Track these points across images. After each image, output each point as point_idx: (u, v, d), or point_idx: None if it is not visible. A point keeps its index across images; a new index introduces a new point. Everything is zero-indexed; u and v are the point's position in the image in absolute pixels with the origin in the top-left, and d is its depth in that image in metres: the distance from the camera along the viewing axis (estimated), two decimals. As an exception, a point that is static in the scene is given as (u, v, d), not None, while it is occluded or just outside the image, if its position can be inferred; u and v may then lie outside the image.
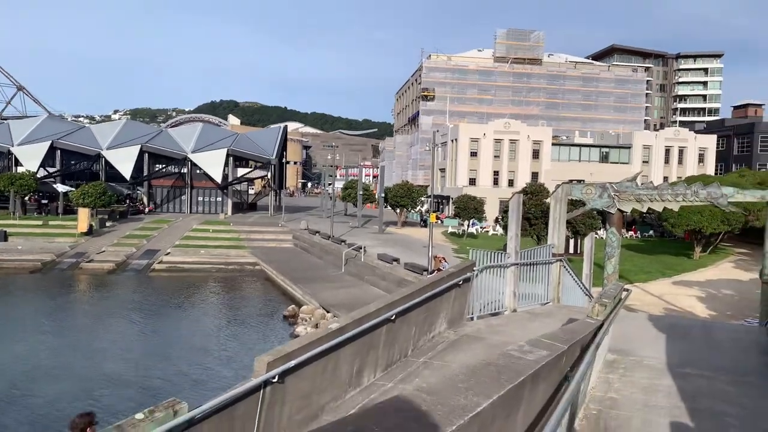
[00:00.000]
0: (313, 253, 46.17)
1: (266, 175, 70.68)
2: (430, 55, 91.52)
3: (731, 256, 45.62)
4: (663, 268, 38.41)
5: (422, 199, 67.92)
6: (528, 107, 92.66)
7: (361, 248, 38.55)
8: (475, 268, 11.49)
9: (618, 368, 8.84)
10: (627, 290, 9.54)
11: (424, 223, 67.13)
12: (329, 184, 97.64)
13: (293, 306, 30.32)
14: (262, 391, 6.33)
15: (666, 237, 59.09)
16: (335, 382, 7.62)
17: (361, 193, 60.15)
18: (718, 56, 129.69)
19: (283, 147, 74.53)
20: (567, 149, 76.82)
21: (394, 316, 8.49)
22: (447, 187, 76.55)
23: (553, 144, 75.52)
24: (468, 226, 54.32)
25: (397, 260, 34.24)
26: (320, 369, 7.23)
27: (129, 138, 63.74)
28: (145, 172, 64.24)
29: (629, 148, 76.08)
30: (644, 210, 16.72)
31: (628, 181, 16.59)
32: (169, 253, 44.88)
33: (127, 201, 63.28)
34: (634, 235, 62.38)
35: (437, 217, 72.14)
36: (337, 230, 54.79)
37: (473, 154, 74.00)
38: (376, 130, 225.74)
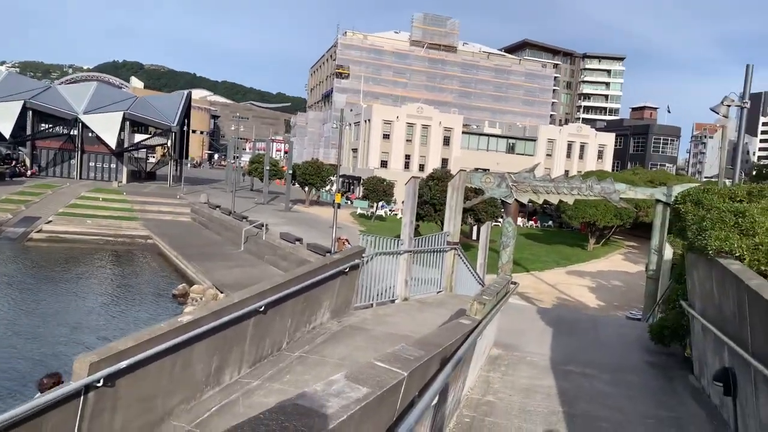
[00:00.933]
0: (211, 229, 44.03)
1: (166, 143, 66.65)
2: (345, 32, 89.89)
3: (621, 249, 48.28)
4: (559, 258, 39.86)
5: (332, 178, 66.81)
6: (441, 94, 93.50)
7: (263, 226, 37.06)
8: (364, 255, 10.77)
9: (501, 365, 8.46)
10: (515, 283, 9.18)
11: (337, 205, 66.36)
12: (236, 157, 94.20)
13: (184, 285, 28.55)
14: (82, 397, 5.25)
15: (564, 228, 61.73)
16: (187, 382, 6.64)
17: (267, 168, 58.11)
18: (620, 59, 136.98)
19: (186, 114, 70.59)
20: (476, 138, 78.29)
21: (263, 307, 7.59)
22: (359, 167, 75.85)
23: (463, 132, 76.66)
24: (376, 208, 53.99)
25: (300, 240, 33.16)
26: (166, 368, 6.22)
27: (10, 92, 57.77)
28: (29, 132, 58.68)
29: (534, 140, 78.65)
30: (540, 201, 16.73)
31: (526, 172, 16.51)
32: (50, 221, 41.18)
33: (7, 162, 57.61)
34: (534, 225, 64.72)
35: (347, 198, 71.51)
36: (241, 206, 52.74)
37: (386, 136, 73.65)
38: (289, 104, 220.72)
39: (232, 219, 42.53)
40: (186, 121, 70.59)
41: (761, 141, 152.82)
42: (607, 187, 15.87)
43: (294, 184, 61.42)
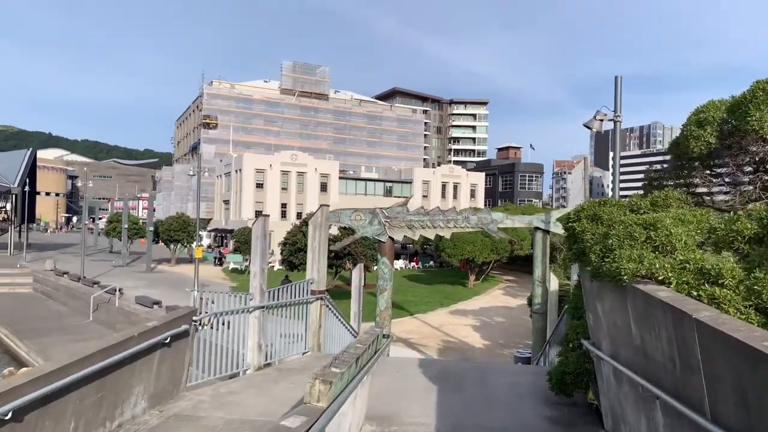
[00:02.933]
0: (56, 299, 38.45)
1: (4, 207, 59.00)
2: (212, 82, 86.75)
3: (501, 283, 48.66)
4: (441, 298, 38.98)
5: (201, 233, 62.39)
6: (316, 141, 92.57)
7: (116, 291, 32.67)
8: (196, 317, 8.33)
9: (376, 450, 6.38)
10: (386, 336, 7.21)
11: (218, 261, 61.60)
12: (92, 218, 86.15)
13: (11, 369, 23.65)
14: None
15: (445, 267, 61.82)
16: None
17: (125, 227, 52.89)
18: (484, 103, 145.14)
19: (31, 174, 63.28)
20: (354, 183, 77.67)
21: (9, 414, 4.96)
22: (231, 219, 71.92)
23: (340, 177, 75.72)
24: (250, 262, 50.59)
25: (158, 303, 29.44)
26: None
27: None
28: None
29: (410, 183, 79.45)
30: (416, 237, 15.18)
31: (399, 207, 14.92)
32: None
33: None
34: (416, 266, 64.31)
35: (219, 253, 67.06)
36: (96, 270, 47.39)
37: (259, 185, 70.70)
38: (157, 160, 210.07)
39: (82, 285, 37.46)
40: (28, 181, 63.16)
41: (613, 174, 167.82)
42: (484, 217, 14.65)
43: (158, 242, 56.43)
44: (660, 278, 4.79)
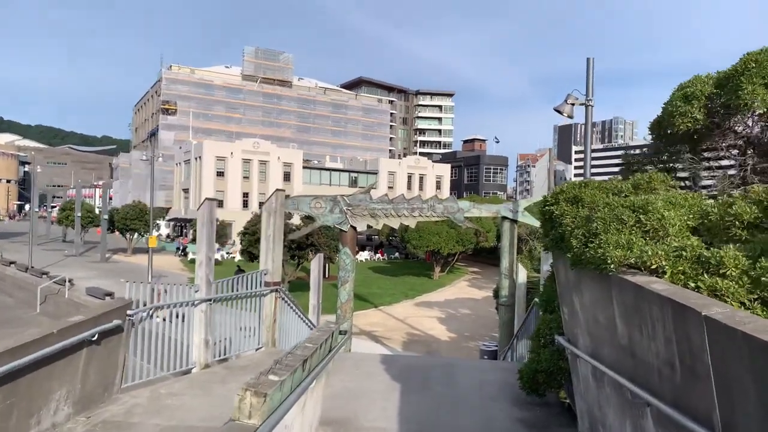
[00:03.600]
0: (2, 290, 36.43)
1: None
2: (171, 66, 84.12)
3: (466, 275, 48.47)
4: (407, 290, 38.48)
5: (159, 222, 60.51)
6: (279, 129, 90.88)
7: (65, 281, 31.07)
8: (131, 311, 7.47)
9: (329, 460, 5.68)
10: (343, 332, 6.50)
11: (181, 251, 59.42)
12: (47, 207, 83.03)
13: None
14: None
15: (410, 259, 61.43)
16: None
17: (78, 215, 50.76)
18: (450, 95, 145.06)
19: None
20: (318, 173, 76.52)
21: None
22: (191, 209, 69.93)
23: (304, 167, 74.50)
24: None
25: (110, 295, 28.04)
26: None
27: None
28: None
29: (376, 173, 78.70)
30: (379, 226, 14.48)
31: (361, 194, 14.18)
32: None
33: None
34: (381, 257, 63.74)
35: (180, 243, 65.15)
36: (47, 260, 45.47)
37: (220, 173, 68.94)
38: (115, 146, 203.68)
39: (30, 276, 35.57)
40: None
41: (576, 168, 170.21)
42: (450, 205, 14.04)
43: (113, 232, 54.42)
44: (652, 267, 4.19)
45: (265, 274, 10.42)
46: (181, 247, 60.22)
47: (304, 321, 11.90)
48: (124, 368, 7.61)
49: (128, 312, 7.42)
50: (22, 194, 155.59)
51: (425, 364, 9.92)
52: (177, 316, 8.80)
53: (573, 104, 11.42)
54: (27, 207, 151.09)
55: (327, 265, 34.97)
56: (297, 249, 31.25)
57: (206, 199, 9.13)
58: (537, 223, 15.91)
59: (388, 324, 27.19)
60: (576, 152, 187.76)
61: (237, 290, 9.73)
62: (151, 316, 8.11)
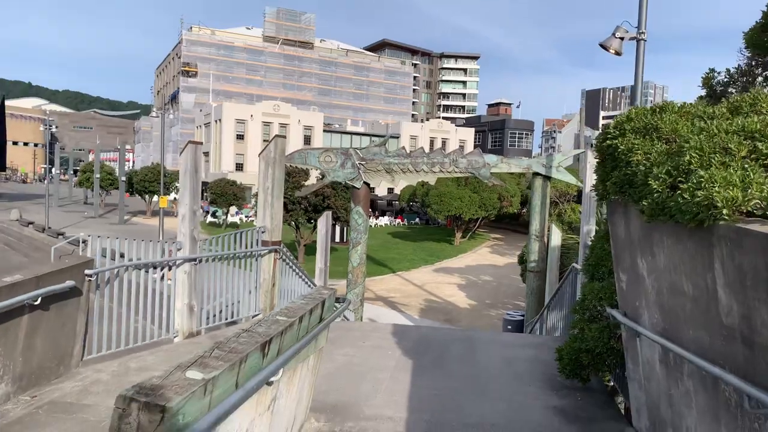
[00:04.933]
0: (18, 250, 35.99)
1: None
2: (191, 27, 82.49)
3: (488, 242, 47.00)
4: (426, 255, 37.25)
5: (177, 184, 59.81)
6: (300, 92, 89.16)
7: (80, 241, 30.48)
8: (90, 271, 6.28)
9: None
10: (340, 300, 5.21)
11: (212, 214, 58.33)
12: (73, 170, 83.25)
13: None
14: None
15: (431, 224, 60.10)
16: None
17: (98, 176, 50.27)
18: (475, 58, 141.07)
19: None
20: (339, 136, 74.98)
21: None
22: (211, 172, 69.23)
23: (324, 131, 73.01)
24: (227, 214, 48.39)
25: (122, 256, 27.41)
26: None
27: None
28: None
29: (398, 137, 76.91)
30: (396, 184, 13.09)
31: (376, 147, 12.77)
32: None
33: None
34: (401, 223, 62.51)
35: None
36: (67, 221, 45.19)
37: (240, 137, 67.86)
38: (139, 111, 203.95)
39: (46, 236, 35.18)
40: (-1, 128, 59.81)
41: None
42: (475, 160, 12.57)
43: (132, 194, 53.96)
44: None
45: (262, 232, 9.14)
46: (208, 210, 58.62)
47: (309, 285, 10.68)
48: (86, 337, 6.45)
49: (87, 271, 6.21)
50: (50, 158, 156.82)
51: (443, 336, 8.61)
52: (162, 279, 7.74)
53: (622, 38, 9.77)
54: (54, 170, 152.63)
55: (344, 228, 33.83)
56: (313, 211, 30.05)
57: (189, 142, 7.81)
58: (573, 180, 14.44)
59: (405, 290, 26.04)
60: (604, 117, 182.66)
61: (229, 249, 8.49)
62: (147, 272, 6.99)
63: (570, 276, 8.94)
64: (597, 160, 4.81)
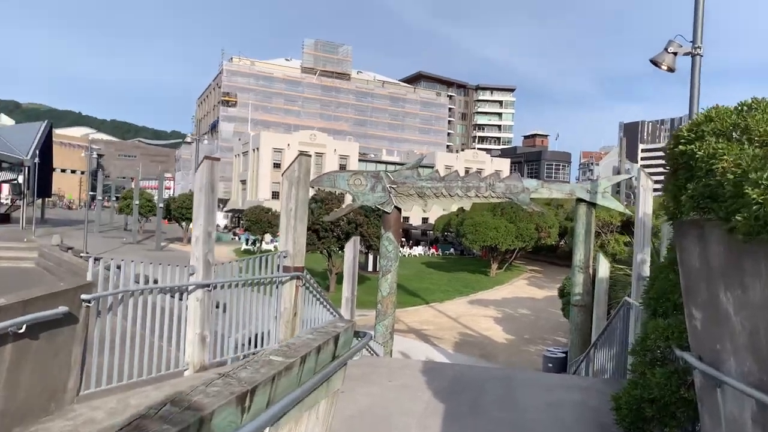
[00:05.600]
0: (56, 275, 36.30)
1: (14, 179, 57.52)
2: (231, 58, 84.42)
3: (525, 273, 45.57)
4: (461, 287, 36.16)
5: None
6: (337, 122, 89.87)
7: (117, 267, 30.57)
8: (88, 296, 5.72)
9: None
10: (360, 336, 4.49)
11: (251, 242, 57.82)
12: (115, 197, 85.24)
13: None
14: None
15: (466, 255, 58.91)
16: None
17: (137, 203, 51.00)
18: (511, 90, 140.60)
19: (46, 148, 61.66)
20: (374, 165, 74.88)
21: None
22: (248, 200, 69.80)
23: (360, 160, 73.10)
24: (261, 241, 48.31)
25: (156, 282, 27.28)
26: None
27: None
28: None
29: (433, 168, 76.37)
30: (429, 208, 12.36)
31: (408, 170, 12.12)
32: None
33: None
34: (435, 253, 61.48)
35: (234, 233, 64.98)
36: (105, 246, 45.77)
37: (276, 165, 68.34)
38: (181, 140, 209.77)
39: (83, 261, 35.60)
40: (44, 155, 61.48)
41: (642, 167, 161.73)
42: (514, 184, 11.79)
43: (170, 221, 54.55)
44: None
45: (284, 257, 8.53)
46: (249, 238, 56.95)
47: (333, 315, 9.97)
48: (83, 370, 5.86)
49: (83, 296, 5.64)
50: (95, 185, 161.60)
51: (479, 376, 7.75)
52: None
53: (676, 53, 8.97)
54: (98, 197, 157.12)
55: (376, 257, 33.11)
56: (345, 239, 29.47)
57: (205, 157, 7.30)
58: (620, 207, 13.51)
59: (439, 322, 25.04)
60: (642, 150, 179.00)
61: (247, 275, 7.88)
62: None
63: (622, 311, 8.01)
64: (668, 170, 4.02)
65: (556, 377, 8.41)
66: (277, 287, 8.48)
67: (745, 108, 3.56)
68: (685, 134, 3.68)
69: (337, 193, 29.82)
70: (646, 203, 7.77)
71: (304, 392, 3.15)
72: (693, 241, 4.13)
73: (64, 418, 5.49)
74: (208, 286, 7.24)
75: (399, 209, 12.24)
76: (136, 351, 6.43)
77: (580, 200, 12.15)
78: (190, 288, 7.13)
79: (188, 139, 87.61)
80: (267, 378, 2.55)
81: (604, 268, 9.84)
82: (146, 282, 7.07)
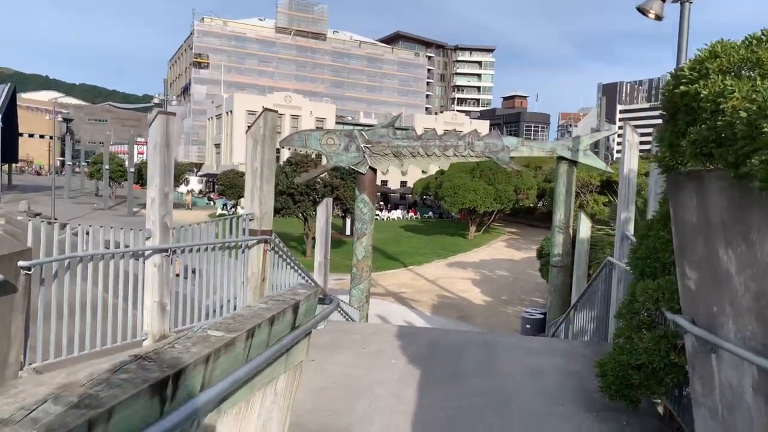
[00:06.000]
0: (23, 241, 35.55)
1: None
2: (203, 18, 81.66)
3: (503, 235, 45.66)
4: (439, 249, 36.06)
5: (187, 176, 59.15)
6: (313, 84, 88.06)
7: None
8: (25, 263, 5.22)
9: None
10: (324, 299, 4.06)
11: (229, 207, 56.60)
12: (86, 162, 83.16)
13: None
14: None
15: (444, 218, 58.85)
16: None
17: (107, 167, 49.62)
18: (490, 51, 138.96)
19: (9, 112, 59.42)
20: (352, 128, 73.85)
21: None
22: (222, 164, 68.53)
23: (336, 122, 71.95)
24: (236, 206, 47.54)
25: (127, 247, 26.59)
26: None
27: None
28: None
29: (411, 129, 75.62)
30: (405, 169, 11.92)
31: (383, 128, 11.60)
32: None
33: None
34: (414, 216, 61.31)
35: (209, 198, 63.90)
36: (75, 212, 44.61)
37: (251, 128, 66.87)
38: (153, 104, 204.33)
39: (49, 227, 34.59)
40: (8, 118, 59.27)
41: (620, 128, 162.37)
42: (493, 143, 11.37)
43: (143, 185, 53.26)
44: None
45: (250, 220, 8.04)
46: (226, 203, 55.26)
47: (306, 279, 9.56)
48: (26, 343, 5.38)
49: (21, 263, 5.13)
50: (65, 151, 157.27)
51: (456, 341, 7.44)
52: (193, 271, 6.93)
53: (664, 1, 8.49)
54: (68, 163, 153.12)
55: (331, 210, 32.70)
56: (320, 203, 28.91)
57: (159, 112, 6.70)
58: (602, 165, 13.22)
59: (417, 285, 24.88)
60: (621, 111, 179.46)
61: (208, 239, 7.40)
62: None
63: (604, 271, 7.73)
64: (664, 114, 3.60)
65: (536, 341, 8.16)
66: (243, 252, 8.02)
67: (754, 41, 3.13)
68: (687, 73, 3.25)
69: (313, 156, 29.13)
70: (632, 159, 7.41)
71: (254, 369, 2.73)
72: (690, 195, 3.75)
73: (5, 395, 5.04)
74: (166, 251, 6.75)
75: (374, 170, 11.76)
76: (87, 321, 5.96)
77: (561, 158, 11.79)
78: (147, 253, 6.63)
79: (156, 101, 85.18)
80: (199, 358, 2.11)
81: (585, 227, 9.53)
82: (106, 247, 6.59)
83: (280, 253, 8.68)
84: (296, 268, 9.24)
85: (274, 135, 8.13)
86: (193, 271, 7.70)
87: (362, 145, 11.51)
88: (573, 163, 11.76)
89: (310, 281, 9.62)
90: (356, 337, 7.32)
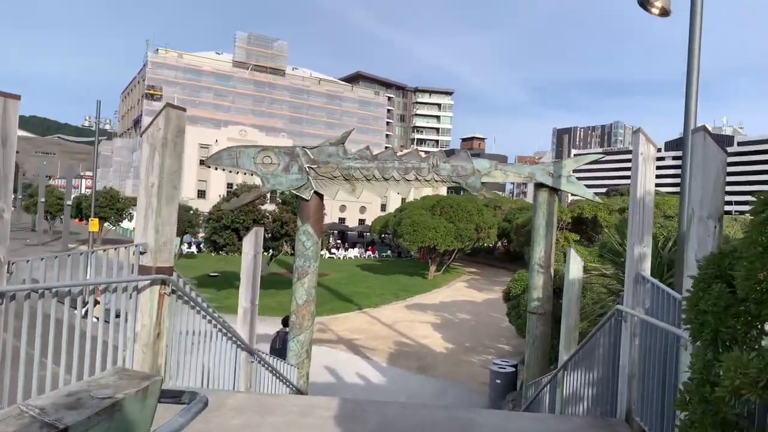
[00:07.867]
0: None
1: None
2: (157, 50, 79.37)
3: (463, 275, 43.99)
4: (398, 290, 34.01)
5: (132, 210, 55.76)
6: (271, 119, 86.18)
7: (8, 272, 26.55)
8: None
9: None
10: (174, 394, 1.99)
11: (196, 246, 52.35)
12: (18, 194, 78.94)
13: None
14: None
15: (403, 257, 57.11)
16: None
17: (42, 200, 46.14)
18: (449, 93, 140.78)
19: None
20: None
21: None
22: (171, 199, 65.22)
23: (293, 158, 70.03)
24: (181, 243, 44.58)
25: (46, 287, 23.66)
26: None
27: None
28: None
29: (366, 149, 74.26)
30: (358, 194, 9.99)
31: (332, 146, 9.70)
32: None
33: None
34: (371, 255, 59.28)
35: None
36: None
37: (203, 162, 64.27)
38: (106, 137, 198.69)
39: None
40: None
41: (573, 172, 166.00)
42: (462, 166, 9.60)
43: (81, 220, 49.82)
44: None
45: (142, 253, 5.92)
46: (190, 242, 50.69)
47: (225, 335, 7.38)
48: None
49: None
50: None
51: (417, 422, 5.39)
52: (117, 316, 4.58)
53: (670, -9, 6.97)
54: (13, 197, 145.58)
55: (260, 240, 30.47)
56: (271, 239, 26.72)
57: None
58: (589, 194, 11.54)
59: (373, 330, 22.70)
60: (575, 155, 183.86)
61: (69, 279, 5.24)
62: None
63: (610, 323, 5.89)
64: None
65: (526, 420, 6.16)
66: (130, 297, 5.86)
67: None
68: None
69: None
70: (647, 177, 5.68)
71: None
72: None
73: None
74: (4, 293, 4.56)
75: (320, 195, 9.82)
76: None
77: (540, 185, 10.11)
78: (-39, 298, 4.44)
79: (125, 142, 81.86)
80: None
81: (576, 267, 7.70)
82: None
83: (185, 296, 6.52)
84: (210, 318, 7.08)
85: (179, 140, 6.10)
86: (117, 315, 5.60)
87: (306, 166, 9.60)
88: (554, 190, 10.08)
89: (234, 338, 7.45)
90: (278, 419, 5.19)
